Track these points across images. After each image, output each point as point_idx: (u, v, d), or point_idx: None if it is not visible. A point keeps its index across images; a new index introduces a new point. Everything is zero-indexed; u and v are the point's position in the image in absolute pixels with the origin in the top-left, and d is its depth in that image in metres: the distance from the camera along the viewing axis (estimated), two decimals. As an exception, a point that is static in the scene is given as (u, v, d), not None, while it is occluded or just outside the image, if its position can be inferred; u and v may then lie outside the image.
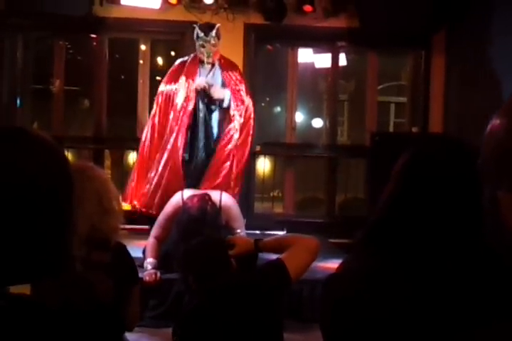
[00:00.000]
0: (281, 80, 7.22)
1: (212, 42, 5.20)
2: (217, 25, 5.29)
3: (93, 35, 6.90)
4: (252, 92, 6.58)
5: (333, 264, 4.42)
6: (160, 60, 9.50)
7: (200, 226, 4.46)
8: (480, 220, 0.79)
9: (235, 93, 5.30)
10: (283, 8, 6.37)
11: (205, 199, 4.61)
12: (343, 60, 7.00)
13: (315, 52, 7.03)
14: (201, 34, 5.17)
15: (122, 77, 9.60)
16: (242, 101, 5.33)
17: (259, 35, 6.62)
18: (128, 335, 2.54)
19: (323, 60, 7.00)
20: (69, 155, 6.90)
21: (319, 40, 6.82)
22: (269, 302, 2.12)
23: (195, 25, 5.30)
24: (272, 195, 7.94)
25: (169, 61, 9.17)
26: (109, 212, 2.24)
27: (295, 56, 6.93)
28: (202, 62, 5.26)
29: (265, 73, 7.36)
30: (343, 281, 1.30)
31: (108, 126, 7.04)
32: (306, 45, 6.96)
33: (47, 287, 1.05)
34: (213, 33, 5.19)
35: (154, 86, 5.48)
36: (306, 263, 2.19)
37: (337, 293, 1.28)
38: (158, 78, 7.20)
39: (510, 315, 0.64)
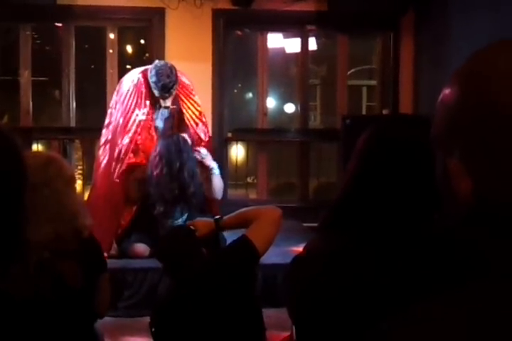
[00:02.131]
0: (252, 66, 7.18)
1: (173, 94, 4.81)
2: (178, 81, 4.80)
3: (59, 24, 6.79)
4: (222, 79, 6.57)
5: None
6: (129, 49, 9.40)
7: (177, 150, 4.54)
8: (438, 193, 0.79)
9: (197, 115, 5.13)
10: (251, -8, 6.31)
11: (177, 135, 4.72)
12: (313, 44, 6.99)
13: (285, 37, 7.00)
14: (160, 92, 4.73)
15: (92, 66, 9.49)
16: (204, 124, 5.20)
17: (228, 21, 6.55)
18: (102, 325, 2.52)
19: (293, 45, 6.98)
20: (39, 147, 6.81)
21: (288, 24, 6.78)
22: (242, 282, 2.14)
23: (151, 79, 4.77)
24: (246, 181, 7.93)
25: (138, 49, 9.10)
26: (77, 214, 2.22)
27: (265, 41, 6.89)
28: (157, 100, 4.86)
29: (235, 59, 7.31)
30: (307, 262, 1.30)
31: (77, 116, 6.96)
32: (275, 30, 6.92)
33: (13, 275, 1.03)
34: (173, 89, 4.75)
35: (124, 75, 5.36)
36: (272, 236, 2.21)
37: (301, 274, 1.28)
38: (128, 67, 7.13)
39: (459, 286, 0.64)
